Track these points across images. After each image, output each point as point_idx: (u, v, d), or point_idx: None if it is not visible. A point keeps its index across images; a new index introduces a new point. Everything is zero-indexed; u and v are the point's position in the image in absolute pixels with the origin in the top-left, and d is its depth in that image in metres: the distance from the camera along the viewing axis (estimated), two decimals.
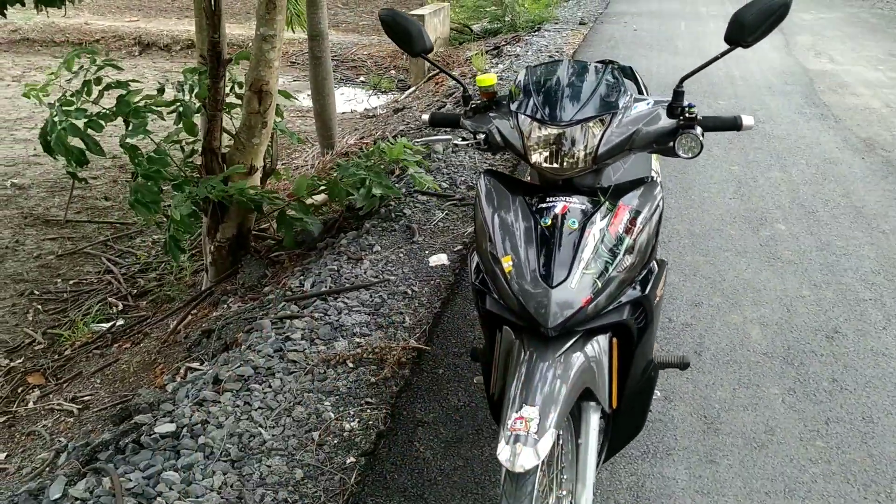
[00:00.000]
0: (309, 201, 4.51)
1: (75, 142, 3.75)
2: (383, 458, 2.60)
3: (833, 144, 5.73)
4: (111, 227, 6.18)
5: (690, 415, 2.78)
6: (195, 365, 3.37)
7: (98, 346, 4.31)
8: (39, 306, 4.95)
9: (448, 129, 2.71)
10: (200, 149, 4.14)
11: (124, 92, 3.84)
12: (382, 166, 4.56)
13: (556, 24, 11.51)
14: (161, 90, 4.08)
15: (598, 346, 1.82)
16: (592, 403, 1.86)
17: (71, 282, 5.27)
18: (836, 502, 2.38)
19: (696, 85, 7.15)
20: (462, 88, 2.16)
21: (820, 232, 4.24)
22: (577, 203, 1.84)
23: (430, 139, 2.51)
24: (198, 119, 4.24)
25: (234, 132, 4.22)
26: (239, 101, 4.30)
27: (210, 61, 3.87)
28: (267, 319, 3.40)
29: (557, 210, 1.82)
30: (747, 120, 1.97)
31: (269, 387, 2.91)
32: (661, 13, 12.42)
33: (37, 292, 5.12)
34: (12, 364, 4.30)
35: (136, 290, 5.04)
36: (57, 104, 3.76)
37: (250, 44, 4.50)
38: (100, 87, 3.90)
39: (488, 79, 2.09)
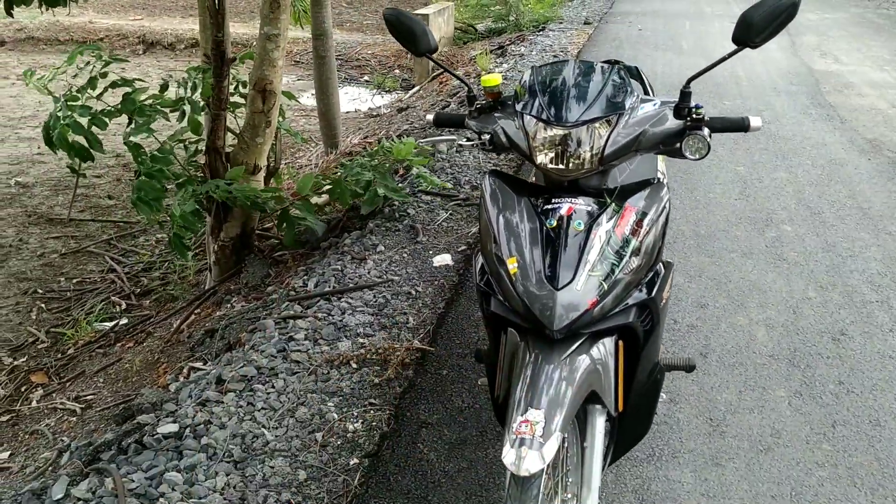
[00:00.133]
0: (313, 201, 4.50)
1: (78, 138, 3.74)
2: (387, 460, 2.59)
3: (839, 145, 5.71)
4: (115, 225, 6.18)
5: (696, 417, 2.76)
6: (198, 365, 3.37)
7: (101, 345, 4.30)
8: (43, 305, 4.94)
9: (452, 130, 2.70)
10: (204, 148, 4.13)
11: (129, 90, 3.84)
12: (388, 165, 4.55)
13: (561, 23, 11.49)
14: (164, 86, 4.07)
15: (604, 348, 1.80)
16: (598, 406, 1.84)
17: (74, 280, 5.27)
18: None
19: (702, 85, 7.12)
20: (467, 88, 2.14)
21: (826, 233, 4.22)
22: (582, 204, 1.83)
23: (434, 139, 2.50)
24: (202, 118, 4.23)
25: (237, 131, 4.22)
26: (243, 101, 4.29)
27: (214, 60, 3.87)
28: (270, 319, 3.39)
29: (563, 211, 1.81)
30: (755, 121, 1.95)
31: (273, 387, 2.90)
32: (666, 13, 12.39)
33: (40, 291, 5.12)
34: (16, 363, 4.29)
35: (139, 290, 5.04)
36: (62, 99, 3.75)
37: (254, 43, 4.49)
38: (105, 84, 3.89)
39: (493, 79, 2.08)
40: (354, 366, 3.04)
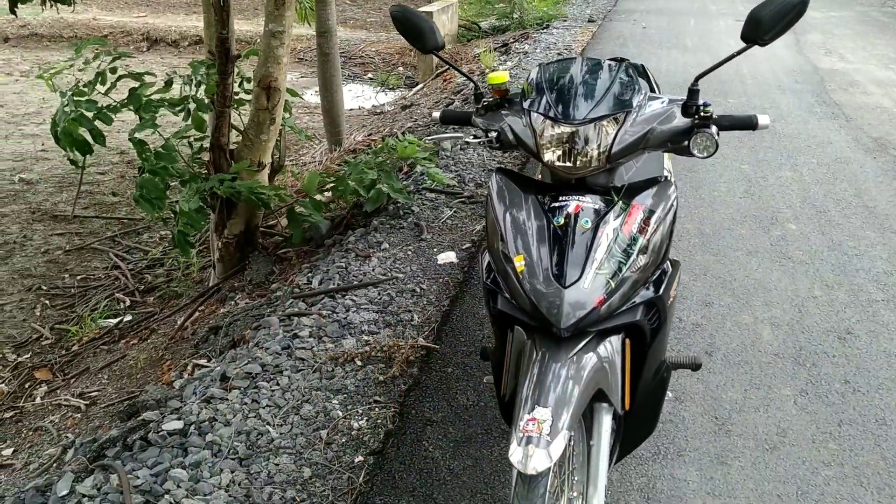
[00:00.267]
0: (317, 198, 4.49)
1: (83, 132, 3.74)
2: (392, 458, 2.59)
3: (844, 143, 5.69)
4: (119, 222, 6.18)
5: (701, 416, 2.75)
6: (202, 362, 3.37)
7: (105, 341, 4.31)
8: (47, 301, 4.95)
9: (456, 127, 2.68)
10: (208, 145, 4.13)
11: (136, 84, 3.83)
12: (392, 163, 4.55)
13: (565, 21, 11.48)
14: (169, 82, 4.06)
15: (611, 346, 1.80)
16: (605, 405, 1.83)
17: (78, 277, 5.27)
18: None
19: (706, 84, 7.05)
20: (474, 86, 2.14)
21: (831, 232, 4.21)
22: (589, 202, 1.82)
23: (441, 136, 2.48)
24: (206, 115, 4.22)
25: (242, 128, 4.21)
26: (247, 98, 4.29)
27: (218, 57, 3.86)
28: (275, 316, 3.39)
29: (570, 209, 1.80)
30: (763, 119, 1.94)
31: (277, 384, 2.90)
32: (670, 10, 12.36)
33: (44, 287, 5.12)
34: (20, 359, 4.30)
35: (143, 286, 5.04)
36: (69, 94, 3.75)
37: (258, 40, 4.48)
38: (113, 78, 3.88)
39: (500, 76, 2.07)
40: (359, 363, 3.04)
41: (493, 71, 5.44)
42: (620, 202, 1.83)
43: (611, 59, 2.19)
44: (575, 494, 1.85)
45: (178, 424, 2.67)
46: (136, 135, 3.77)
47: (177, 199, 3.90)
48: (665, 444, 2.60)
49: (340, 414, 2.75)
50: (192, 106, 4.01)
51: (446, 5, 11.09)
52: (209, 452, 2.52)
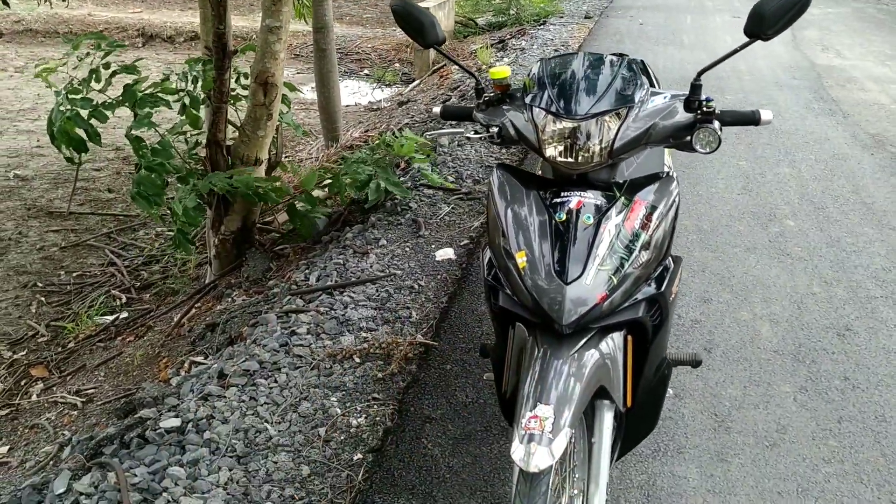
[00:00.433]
0: (315, 194, 4.48)
1: (79, 131, 3.71)
2: (391, 455, 2.58)
3: (842, 140, 5.69)
4: (115, 219, 6.16)
5: (701, 413, 2.75)
6: (200, 359, 3.35)
7: (102, 338, 4.29)
8: (43, 298, 4.92)
9: (455, 123, 2.66)
10: (205, 141, 4.11)
11: (131, 80, 3.81)
12: (389, 159, 4.53)
13: (562, 17, 11.45)
14: (166, 79, 4.04)
15: (613, 343, 1.78)
16: (606, 402, 1.83)
17: (74, 274, 5.25)
18: (849, 502, 2.35)
19: (704, 80, 7.09)
20: (475, 81, 2.12)
21: (830, 228, 4.20)
22: (591, 198, 1.81)
23: (441, 132, 2.46)
24: (203, 111, 4.20)
25: (239, 124, 4.19)
26: (244, 94, 4.27)
27: (215, 53, 3.83)
28: (272, 313, 3.37)
29: (572, 205, 1.79)
30: (765, 114, 1.93)
31: (275, 382, 2.88)
32: (667, 7, 12.35)
33: (40, 284, 5.10)
34: (16, 356, 4.27)
35: (139, 283, 5.02)
36: (63, 92, 3.72)
37: (255, 36, 4.46)
38: (107, 74, 3.86)
39: (502, 71, 2.05)
40: (357, 360, 3.02)
41: (490, 67, 5.42)
42: (623, 198, 1.81)
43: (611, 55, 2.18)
44: (576, 492, 1.84)
45: (176, 422, 2.65)
46: (133, 131, 3.74)
47: (173, 196, 3.88)
48: (665, 441, 2.60)
49: (339, 411, 2.73)
50: (186, 100, 3.99)
51: (443, 1, 11.06)
52: (207, 450, 2.51)
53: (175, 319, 4.07)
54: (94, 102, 3.72)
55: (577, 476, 1.84)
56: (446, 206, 4.50)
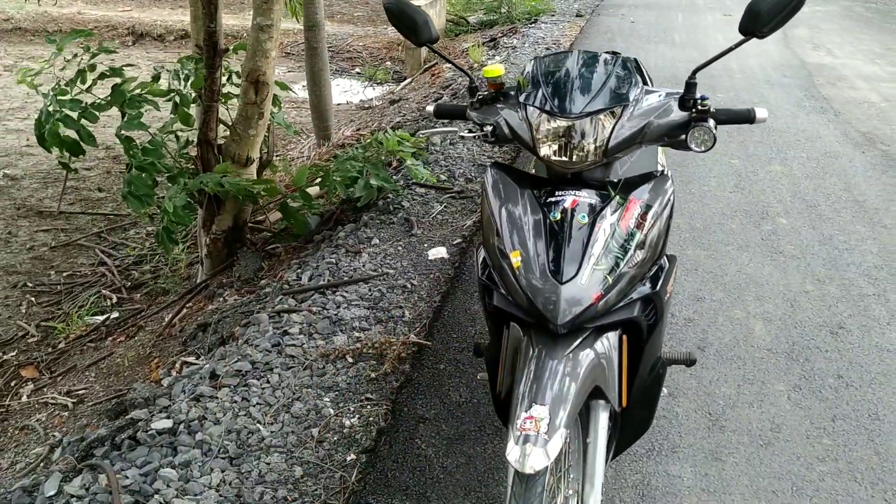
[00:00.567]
0: (307, 191, 4.46)
1: (70, 133, 3.69)
2: (384, 456, 2.56)
3: (833, 138, 5.70)
4: (105, 218, 6.12)
5: (695, 412, 2.74)
6: (191, 359, 3.32)
7: (92, 339, 4.25)
8: (33, 298, 4.89)
9: (448, 122, 2.65)
10: (196, 140, 4.08)
11: (119, 81, 3.78)
12: (382, 157, 4.51)
13: (553, 15, 11.46)
14: (156, 77, 4.01)
15: (608, 343, 1.78)
16: (601, 402, 1.82)
17: (64, 274, 5.21)
18: (843, 501, 2.35)
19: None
20: (469, 79, 2.11)
21: (822, 226, 4.21)
22: (586, 197, 1.80)
23: (434, 131, 2.45)
24: (194, 110, 4.18)
25: (230, 123, 4.17)
26: (235, 92, 4.24)
27: (206, 51, 3.81)
28: (264, 313, 3.35)
29: (567, 204, 1.78)
30: (761, 112, 1.93)
31: (268, 382, 2.86)
32: (659, 5, 12.37)
33: (30, 284, 5.06)
34: (5, 357, 4.24)
35: (130, 283, 4.99)
36: (51, 94, 3.69)
37: (246, 34, 4.43)
38: (94, 76, 3.83)
39: (496, 70, 2.04)
40: (350, 360, 3.01)
41: (482, 65, 5.40)
42: (617, 197, 1.81)
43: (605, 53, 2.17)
44: (571, 492, 1.83)
45: (168, 423, 2.63)
46: (124, 132, 3.72)
47: (164, 195, 3.85)
48: (659, 441, 2.59)
49: (332, 412, 2.72)
50: (177, 99, 3.96)
51: None
52: (199, 451, 2.49)
53: (166, 319, 4.04)
54: (83, 104, 3.69)
55: (572, 476, 1.84)
56: (439, 204, 4.49)
